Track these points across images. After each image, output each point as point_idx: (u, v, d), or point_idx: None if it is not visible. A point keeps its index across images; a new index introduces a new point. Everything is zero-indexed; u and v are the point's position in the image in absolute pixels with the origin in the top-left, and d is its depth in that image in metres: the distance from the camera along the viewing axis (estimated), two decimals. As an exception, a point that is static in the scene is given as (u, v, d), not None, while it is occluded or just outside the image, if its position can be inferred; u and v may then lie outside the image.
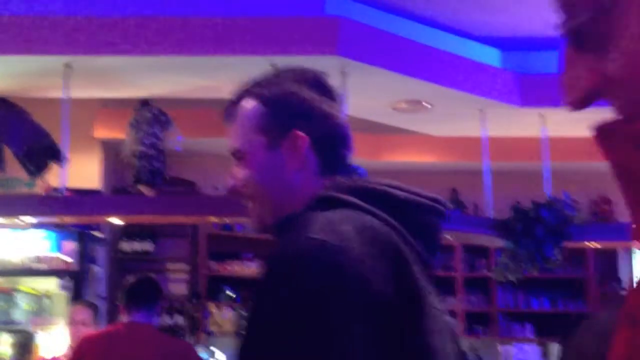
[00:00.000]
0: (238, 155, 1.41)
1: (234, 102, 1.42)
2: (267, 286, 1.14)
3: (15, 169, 5.62)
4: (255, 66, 5.59)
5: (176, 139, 5.47)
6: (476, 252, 7.83)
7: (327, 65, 5.37)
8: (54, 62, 5.09)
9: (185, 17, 5.06)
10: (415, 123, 6.60)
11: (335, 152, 1.37)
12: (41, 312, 6.34)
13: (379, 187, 1.31)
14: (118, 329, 3.93)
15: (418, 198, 1.33)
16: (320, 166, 1.34)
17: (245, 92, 1.41)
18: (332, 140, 1.37)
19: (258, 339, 1.12)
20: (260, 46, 4.87)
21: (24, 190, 6.00)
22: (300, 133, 1.33)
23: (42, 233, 6.20)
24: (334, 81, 1.48)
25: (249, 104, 1.39)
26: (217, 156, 7.70)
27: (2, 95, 5.76)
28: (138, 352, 3.64)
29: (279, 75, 1.40)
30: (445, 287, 7.81)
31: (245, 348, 1.14)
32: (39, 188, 5.66)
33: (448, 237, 5.57)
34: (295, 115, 1.35)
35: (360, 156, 6.14)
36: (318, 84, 1.39)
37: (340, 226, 1.17)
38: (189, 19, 5.02)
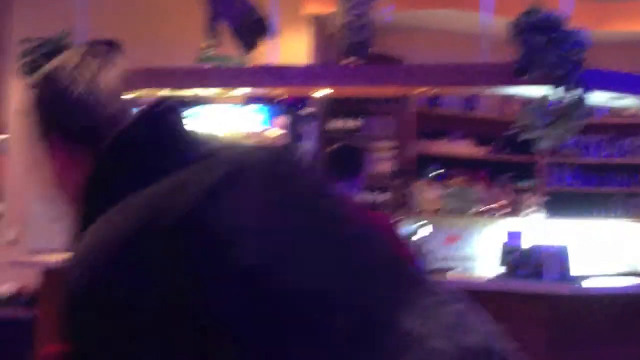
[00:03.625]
0: None
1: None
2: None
3: (228, 47, 5.74)
4: None
5: (386, 10, 5.33)
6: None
7: None
8: None
9: None
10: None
11: (92, 134, 1.19)
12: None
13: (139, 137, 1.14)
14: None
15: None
16: (83, 149, 1.19)
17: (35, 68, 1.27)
18: (86, 130, 1.19)
19: None
20: None
21: (237, 67, 6.14)
22: (52, 136, 1.21)
23: (254, 108, 6.37)
24: None
25: (32, 90, 1.25)
26: (426, 30, 7.50)
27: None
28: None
29: (57, 51, 1.26)
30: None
31: None
32: (250, 64, 5.77)
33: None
34: (49, 114, 1.22)
35: (584, 26, 5.68)
36: (95, 53, 1.22)
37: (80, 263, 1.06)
38: None
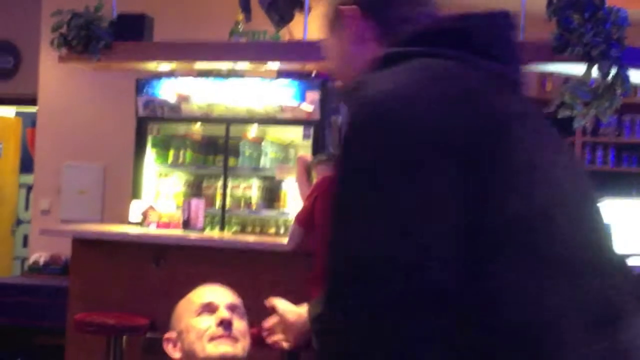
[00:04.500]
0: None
1: None
2: (344, 154, 1.10)
3: (261, 21, 5.68)
4: None
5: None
6: None
7: None
8: None
9: None
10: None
11: (394, 9, 1.26)
12: (286, 160, 6.57)
13: (452, 24, 1.20)
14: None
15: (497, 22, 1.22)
16: (381, 30, 1.25)
17: None
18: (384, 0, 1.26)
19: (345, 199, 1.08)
20: None
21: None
22: (346, 7, 1.27)
23: (286, 83, 6.31)
24: None
25: None
26: (464, 7, 7.34)
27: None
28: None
29: None
30: None
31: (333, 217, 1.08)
32: (283, 39, 5.71)
33: None
34: None
35: (622, 4, 5.53)
36: None
37: (399, 76, 1.10)
38: None
